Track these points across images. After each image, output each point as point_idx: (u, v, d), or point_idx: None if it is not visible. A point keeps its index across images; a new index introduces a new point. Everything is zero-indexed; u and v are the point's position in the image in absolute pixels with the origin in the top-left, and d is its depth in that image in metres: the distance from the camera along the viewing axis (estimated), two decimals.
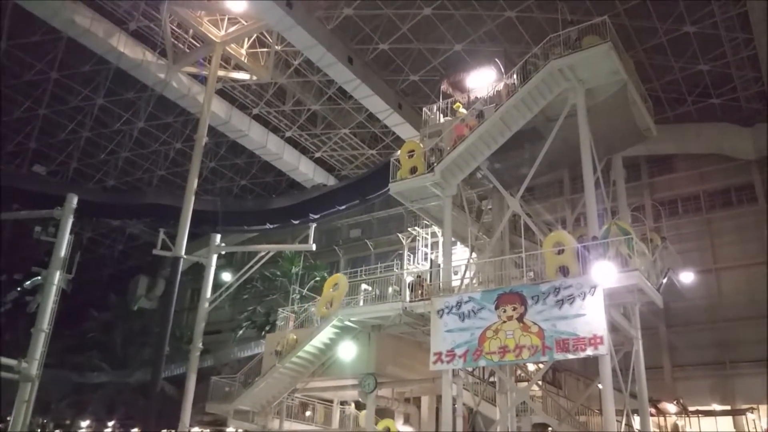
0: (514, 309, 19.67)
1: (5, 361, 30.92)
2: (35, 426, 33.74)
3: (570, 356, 18.70)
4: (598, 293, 18.32)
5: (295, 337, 25.51)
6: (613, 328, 19.86)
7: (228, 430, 34.79)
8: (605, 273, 18.49)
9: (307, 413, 30.39)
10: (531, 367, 24.27)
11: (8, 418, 31.99)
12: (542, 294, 19.32)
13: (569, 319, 18.53)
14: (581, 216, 25.54)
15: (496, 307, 20.07)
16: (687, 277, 25.23)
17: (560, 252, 19.78)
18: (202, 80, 37.43)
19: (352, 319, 24.14)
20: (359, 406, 29.44)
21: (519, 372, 25.17)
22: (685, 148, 35.09)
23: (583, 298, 18.48)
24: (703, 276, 30.00)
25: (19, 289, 38.65)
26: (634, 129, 23.59)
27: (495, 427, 22.57)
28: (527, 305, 19.49)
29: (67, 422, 41.76)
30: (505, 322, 19.73)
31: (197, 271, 38.52)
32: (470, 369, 23.12)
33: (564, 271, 19.55)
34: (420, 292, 22.31)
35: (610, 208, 23.77)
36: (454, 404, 21.30)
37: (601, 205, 22.26)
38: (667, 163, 36.25)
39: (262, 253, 35.94)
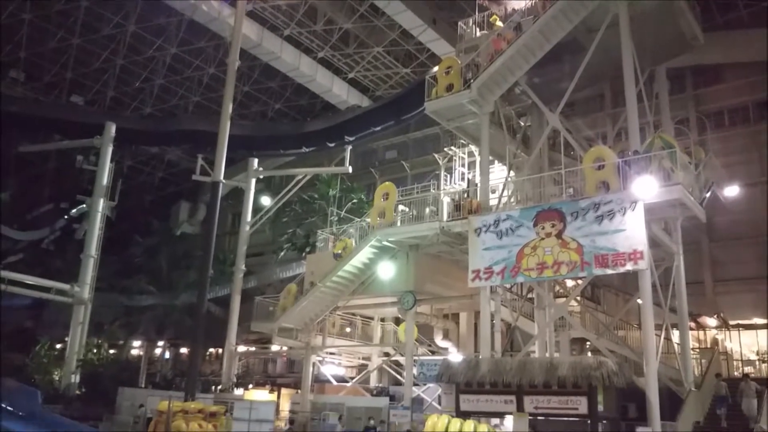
0: (553, 226, 19.57)
1: (59, 285, 32.31)
2: (91, 346, 35.36)
3: (609, 271, 18.69)
4: (638, 208, 18.07)
5: (353, 242, 25.84)
6: (654, 243, 19.66)
7: (273, 347, 36.04)
8: (646, 187, 18.16)
9: (348, 330, 31.23)
10: (569, 283, 24.30)
11: (66, 339, 33.67)
12: (581, 210, 19.14)
13: (609, 235, 18.39)
14: (622, 130, 24.94)
15: (535, 225, 20.00)
16: (732, 191, 24.67)
17: (600, 167, 19.45)
18: (230, 3, 36.78)
19: (390, 239, 24.36)
20: (399, 322, 30.09)
21: (557, 288, 25.25)
22: (734, 56, 33.51)
23: (624, 214, 18.26)
24: (748, 189, 29.24)
25: (66, 217, 39.84)
26: (679, 38, 22.61)
27: (533, 342, 22.92)
28: (566, 222, 19.37)
29: (120, 342, 43.70)
30: (543, 239, 19.70)
31: (237, 195, 39.06)
32: (508, 285, 23.31)
33: (604, 186, 19.28)
34: (469, 209, 22.17)
35: (652, 122, 23.14)
36: (492, 320, 21.61)
37: (643, 118, 21.67)
38: (714, 73, 34.76)
39: (300, 177, 36.18)
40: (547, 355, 22.55)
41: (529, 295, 25.10)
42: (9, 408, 22.45)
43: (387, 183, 26.00)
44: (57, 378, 31.13)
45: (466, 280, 21.47)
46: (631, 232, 17.98)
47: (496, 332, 21.57)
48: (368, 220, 26.62)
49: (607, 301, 27.89)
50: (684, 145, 21.79)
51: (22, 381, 25.83)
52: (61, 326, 36.39)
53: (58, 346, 36.36)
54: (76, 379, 30.75)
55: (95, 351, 35.79)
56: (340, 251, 25.87)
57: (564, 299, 23.56)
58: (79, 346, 32.02)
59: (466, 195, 23.97)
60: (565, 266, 19.06)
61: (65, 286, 32.04)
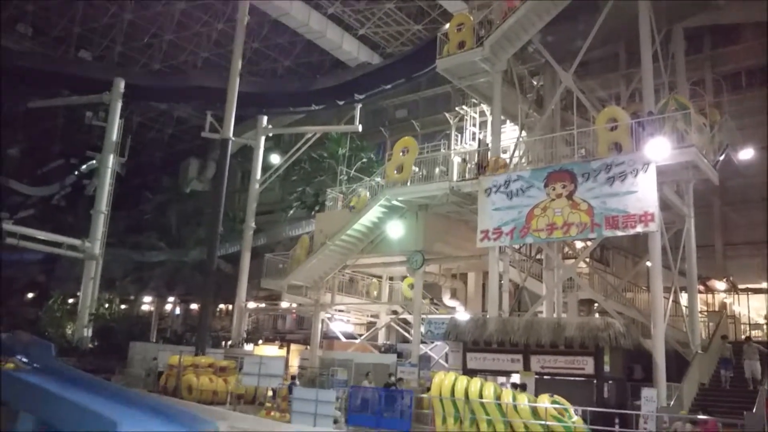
0: (564, 187, 19.46)
1: (70, 241, 32.58)
2: (103, 301, 35.85)
3: (619, 233, 18.63)
4: (651, 170, 17.91)
5: (367, 195, 25.84)
6: (665, 205, 19.54)
7: (282, 304, 36.41)
8: (659, 149, 17.96)
9: (357, 287, 31.45)
10: (578, 244, 24.28)
11: (78, 294, 34.11)
12: (593, 171, 19.00)
13: (620, 196, 18.28)
14: (636, 92, 24.55)
15: (545, 185, 19.90)
16: (746, 154, 24.35)
17: (613, 128, 19.24)
18: None
19: (399, 198, 24.33)
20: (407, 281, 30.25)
21: (566, 249, 25.25)
22: (753, 16, 32.69)
23: (635, 175, 18.12)
24: (763, 152, 28.87)
25: (76, 173, 39.95)
26: None
27: (541, 302, 23.01)
28: (577, 183, 19.25)
29: (131, 298, 44.27)
30: (553, 200, 19.62)
31: (246, 153, 39.00)
32: (517, 246, 23.31)
33: (617, 147, 19.10)
34: (485, 165, 21.99)
35: (667, 83, 22.76)
36: (500, 280, 21.68)
37: (658, 79, 21.33)
38: (733, 33, 33.93)
39: (309, 135, 36.02)
40: (555, 315, 22.67)
41: (538, 256, 25.12)
42: (24, 360, 22.92)
43: (407, 138, 25.80)
44: (70, 332, 31.65)
45: (474, 241, 21.49)
46: (642, 194, 17.86)
47: (504, 292, 21.65)
48: (378, 179, 26.56)
49: (616, 263, 27.86)
50: (699, 107, 21.48)
51: (36, 334, 26.32)
52: (73, 281, 36.81)
53: (71, 300, 36.82)
54: (88, 333, 31.26)
55: (107, 306, 36.29)
56: (354, 204, 25.91)
57: (573, 260, 23.58)
58: (91, 301, 32.44)
59: (477, 155, 23.79)
60: (575, 227, 19.01)
61: (76, 242, 32.33)
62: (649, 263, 18.92)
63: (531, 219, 19.89)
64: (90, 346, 30.71)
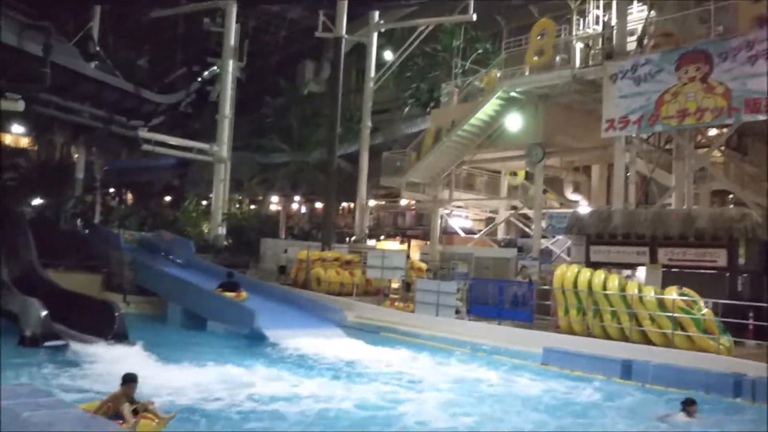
0: (698, 69, 18.07)
1: (199, 145, 34.34)
2: (233, 201, 37.97)
3: (761, 117, 17.22)
4: None
5: (498, 74, 25.32)
6: None
7: (401, 201, 37.06)
8: None
9: (475, 184, 31.35)
10: (712, 131, 22.72)
11: (210, 196, 36.25)
12: (732, 50, 17.46)
13: (763, 77, 16.74)
14: None
15: (677, 69, 18.55)
16: None
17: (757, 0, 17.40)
18: None
19: (518, 89, 23.58)
20: (527, 175, 29.76)
21: (699, 137, 23.68)
22: None
23: None
24: None
25: (199, 79, 41.43)
26: None
27: (669, 194, 22.01)
28: (713, 64, 17.80)
29: (259, 198, 46.52)
30: (686, 84, 18.31)
31: (360, 51, 38.70)
32: (644, 135, 22.16)
33: (760, 22, 17.31)
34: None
35: None
36: (626, 172, 20.85)
37: None
38: None
39: (422, 28, 35.15)
40: (685, 208, 21.67)
41: (667, 146, 23.78)
42: (169, 256, 24.97)
43: (544, 19, 24.67)
44: (206, 231, 33.87)
45: (598, 131, 20.65)
46: None
47: (630, 184, 20.85)
48: (494, 71, 25.76)
49: (755, 151, 25.85)
50: None
51: (176, 234, 28.47)
52: (204, 184, 39.02)
53: (204, 202, 39.18)
54: (222, 231, 33.31)
55: (237, 206, 38.40)
56: (484, 85, 25.39)
57: (706, 149, 22.18)
58: (223, 202, 34.37)
59: (602, 39, 22.38)
60: (710, 113, 17.74)
61: (205, 146, 33.97)
62: None
63: (660, 105, 18.74)
64: (225, 243, 32.80)
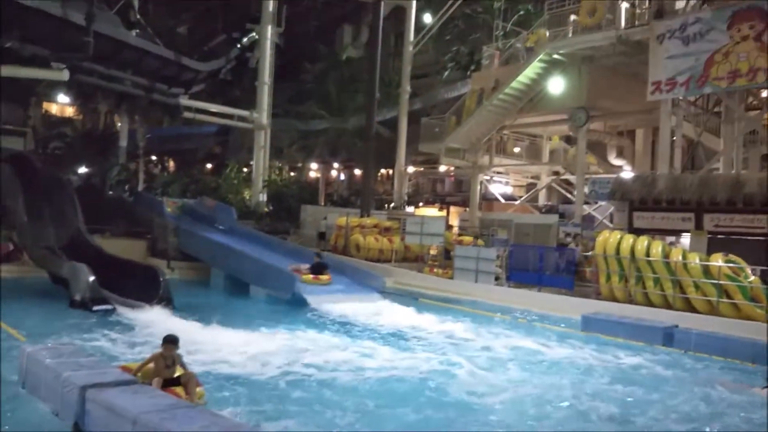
0: (752, 27, 17.36)
1: (239, 112, 34.51)
2: (274, 168, 38.19)
3: None
4: None
5: (546, 33, 24.81)
6: None
7: (440, 167, 36.81)
8: None
9: (516, 149, 30.91)
10: (765, 93, 21.89)
11: (251, 163, 36.53)
12: None
13: None
14: None
15: (729, 27, 17.85)
16: None
17: None
18: None
19: (560, 51, 23.02)
20: (570, 140, 29.24)
21: (750, 99, 22.87)
22: None
23: None
24: None
25: (238, 46, 41.45)
26: None
27: (717, 158, 21.39)
28: None
29: (299, 165, 46.72)
30: (738, 43, 17.63)
31: (399, 15, 38.18)
32: (692, 98, 21.48)
33: None
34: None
35: None
36: (672, 136, 20.30)
37: None
38: None
39: None
40: (733, 172, 21.04)
41: (716, 108, 23.05)
42: (212, 223, 25.31)
43: None
44: (247, 197, 34.22)
45: (644, 94, 20.08)
46: None
47: (676, 149, 20.29)
48: (543, 30, 25.11)
49: None
50: None
51: (218, 200, 28.84)
52: (245, 151, 39.31)
53: (245, 169, 39.51)
54: (263, 198, 33.61)
55: (278, 173, 38.64)
56: (533, 44, 24.83)
57: (757, 111, 21.42)
58: (263, 169, 34.60)
59: None
60: (763, 73, 17.08)
61: (245, 113, 34.09)
62: None
63: (710, 66, 18.09)
64: (266, 210, 33.11)
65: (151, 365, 7.67)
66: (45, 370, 7.28)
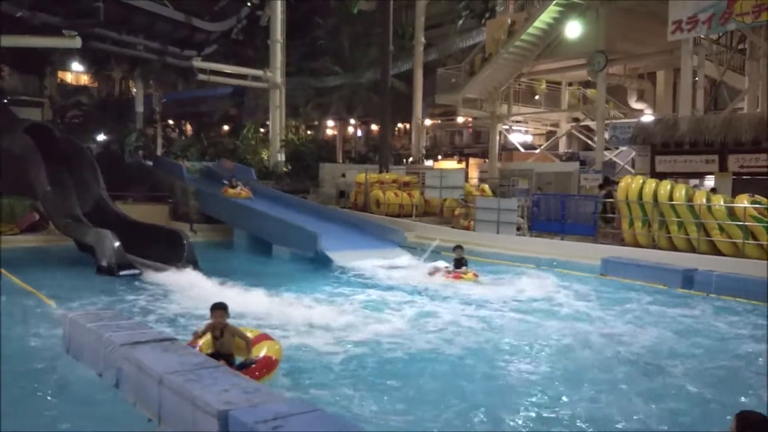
0: None
1: (253, 72, 34.29)
2: (290, 127, 38.05)
3: None
4: None
5: None
6: None
7: (458, 119, 36.46)
8: None
9: (535, 97, 30.48)
10: None
11: (267, 123, 36.44)
12: None
13: None
14: None
15: None
16: None
17: None
18: None
19: None
20: (589, 85, 28.73)
21: None
22: None
23: None
24: None
25: (248, 3, 40.92)
26: None
27: (742, 96, 20.90)
28: None
29: (315, 123, 46.51)
30: None
31: None
32: (715, 36, 20.89)
33: None
34: None
35: None
36: (694, 77, 19.84)
37: None
38: None
39: None
40: (759, 111, 20.57)
41: (740, 46, 22.42)
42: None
43: None
44: (265, 158, 34.25)
45: (664, 35, 19.58)
46: None
47: (699, 89, 19.85)
48: None
49: None
50: None
51: (237, 162, 28.91)
52: (261, 111, 39.20)
53: (262, 129, 39.44)
54: (281, 158, 33.60)
55: (294, 132, 38.53)
56: None
57: None
58: (280, 128, 34.53)
59: None
60: None
61: (259, 72, 33.87)
62: None
63: (734, 2, 17.53)
64: (284, 169, 33.15)
65: (208, 336, 7.35)
66: (87, 333, 7.44)
